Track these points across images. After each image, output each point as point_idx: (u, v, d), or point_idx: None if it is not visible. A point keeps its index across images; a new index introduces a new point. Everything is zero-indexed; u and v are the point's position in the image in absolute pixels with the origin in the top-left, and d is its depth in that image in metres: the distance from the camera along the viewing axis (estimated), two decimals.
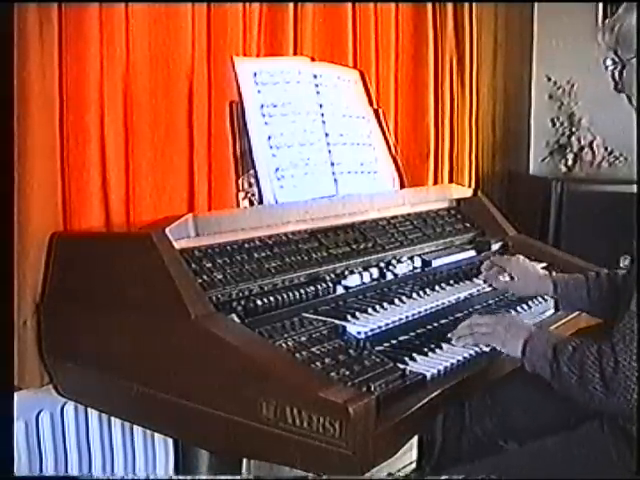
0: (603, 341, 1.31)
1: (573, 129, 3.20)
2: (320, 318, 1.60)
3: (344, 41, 2.38)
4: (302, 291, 1.66)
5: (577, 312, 1.92)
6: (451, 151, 2.87)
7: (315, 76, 2.05)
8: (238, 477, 1.75)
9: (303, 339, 1.48)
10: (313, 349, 1.44)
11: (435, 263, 2.03)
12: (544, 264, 2.16)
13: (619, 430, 1.40)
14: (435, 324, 1.75)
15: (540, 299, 1.96)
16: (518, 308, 1.91)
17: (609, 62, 1.44)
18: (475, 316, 1.71)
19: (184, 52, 1.93)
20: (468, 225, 2.31)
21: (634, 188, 2.59)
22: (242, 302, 1.54)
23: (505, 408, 1.73)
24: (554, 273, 1.96)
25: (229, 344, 1.37)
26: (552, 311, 1.95)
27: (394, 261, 1.94)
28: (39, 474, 1.79)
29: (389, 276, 1.89)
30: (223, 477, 1.72)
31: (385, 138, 2.20)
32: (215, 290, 1.53)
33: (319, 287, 1.70)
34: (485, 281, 1.97)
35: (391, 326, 1.63)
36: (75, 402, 1.79)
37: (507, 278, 1.94)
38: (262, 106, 1.88)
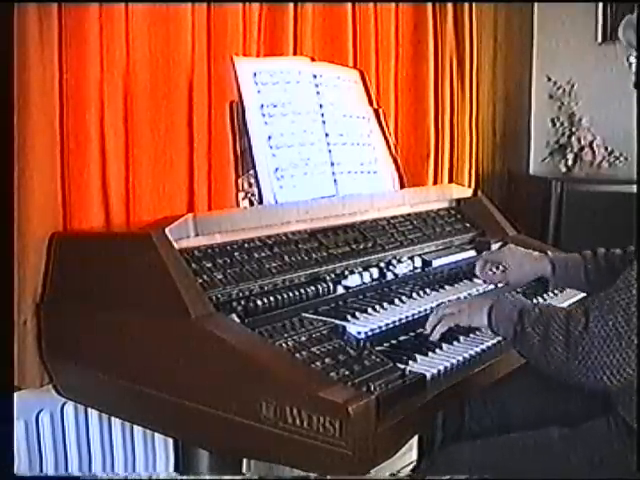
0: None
1: (573, 129, 3.20)
2: (320, 318, 1.60)
3: (344, 41, 2.38)
4: (302, 291, 1.66)
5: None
6: (451, 151, 2.87)
7: (315, 76, 2.05)
8: (238, 477, 1.75)
9: (303, 339, 1.48)
10: (313, 349, 1.44)
11: (435, 263, 2.03)
12: None
13: (625, 428, 1.40)
14: None
15: (539, 298, 1.96)
16: None
17: (632, 59, 1.44)
18: (442, 304, 1.72)
19: (184, 52, 1.93)
20: (468, 225, 2.31)
21: (634, 188, 2.60)
22: (242, 302, 1.54)
23: (505, 408, 1.73)
24: (549, 252, 1.95)
25: (229, 344, 1.37)
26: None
27: (394, 261, 1.94)
28: (39, 474, 1.79)
29: (389, 276, 1.89)
30: (223, 477, 1.72)
31: (385, 138, 2.20)
32: (215, 290, 1.53)
33: (319, 287, 1.70)
34: (484, 281, 1.97)
35: (391, 326, 1.63)
36: (75, 402, 1.79)
37: (501, 270, 1.93)
38: (262, 106, 1.88)
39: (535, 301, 1.92)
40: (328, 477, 1.35)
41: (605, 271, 1.76)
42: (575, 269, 1.82)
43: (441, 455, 1.56)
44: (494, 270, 1.95)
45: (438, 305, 1.76)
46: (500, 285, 1.96)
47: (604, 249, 1.81)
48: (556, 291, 1.99)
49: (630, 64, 1.45)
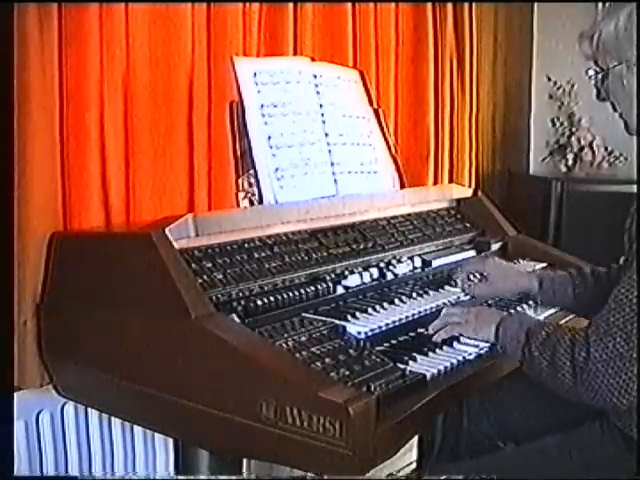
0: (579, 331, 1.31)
1: (573, 129, 3.20)
2: (320, 318, 1.60)
3: (344, 41, 2.38)
4: (302, 291, 1.66)
5: (573, 315, 1.90)
6: (451, 151, 2.87)
7: (315, 76, 2.05)
8: (234, 477, 1.75)
9: (303, 339, 1.48)
10: (313, 349, 1.44)
11: (435, 263, 2.03)
12: (544, 264, 2.15)
13: (618, 431, 1.40)
14: None
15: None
16: (518, 308, 1.90)
17: (591, 72, 1.44)
18: (448, 307, 1.72)
19: (184, 52, 1.93)
20: (468, 225, 2.31)
21: (634, 188, 2.59)
22: (242, 302, 1.54)
23: (503, 410, 1.73)
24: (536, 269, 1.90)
25: (229, 344, 1.37)
26: (551, 312, 1.94)
27: (394, 261, 1.94)
28: (39, 474, 1.79)
29: (389, 276, 1.89)
30: (223, 477, 1.72)
31: (385, 138, 2.20)
32: (215, 290, 1.53)
33: (319, 287, 1.70)
34: (463, 290, 1.88)
35: (391, 326, 1.63)
36: (75, 402, 1.79)
37: (484, 280, 1.87)
38: (262, 106, 1.88)
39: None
40: (325, 477, 1.34)
41: (592, 288, 1.75)
42: (563, 286, 1.80)
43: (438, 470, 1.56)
44: (476, 280, 1.88)
45: (438, 306, 1.77)
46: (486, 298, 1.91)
47: (589, 267, 1.80)
48: (531, 303, 1.90)
49: (589, 77, 1.45)
